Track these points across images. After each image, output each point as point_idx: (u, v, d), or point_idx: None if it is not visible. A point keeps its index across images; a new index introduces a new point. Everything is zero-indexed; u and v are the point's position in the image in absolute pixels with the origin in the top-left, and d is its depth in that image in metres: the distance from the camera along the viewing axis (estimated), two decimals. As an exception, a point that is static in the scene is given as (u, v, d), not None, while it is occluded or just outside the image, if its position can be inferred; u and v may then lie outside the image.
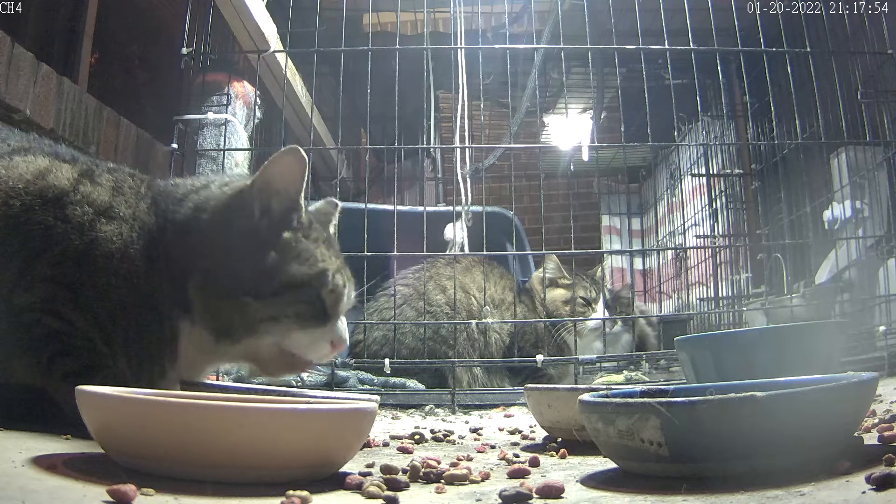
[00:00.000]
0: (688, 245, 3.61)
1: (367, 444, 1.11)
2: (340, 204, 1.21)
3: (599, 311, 2.43)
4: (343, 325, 1.02)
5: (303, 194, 1.00)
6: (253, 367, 1.05)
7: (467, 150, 2.64)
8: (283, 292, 0.96)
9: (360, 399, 0.98)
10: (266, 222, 0.98)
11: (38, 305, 0.94)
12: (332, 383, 1.88)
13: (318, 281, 0.99)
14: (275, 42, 2.41)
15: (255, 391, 1.00)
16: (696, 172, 3.66)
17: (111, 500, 0.59)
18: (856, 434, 0.86)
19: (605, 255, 4.36)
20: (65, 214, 0.97)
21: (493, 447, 1.14)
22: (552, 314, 2.37)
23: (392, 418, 1.63)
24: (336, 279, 1.00)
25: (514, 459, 0.96)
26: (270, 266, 0.97)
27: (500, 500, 0.67)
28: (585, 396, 0.85)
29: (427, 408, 1.81)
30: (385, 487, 0.71)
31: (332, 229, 1.15)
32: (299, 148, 0.97)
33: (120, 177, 1.07)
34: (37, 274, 0.94)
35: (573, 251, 2.42)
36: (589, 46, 2.35)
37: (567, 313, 2.39)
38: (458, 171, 2.56)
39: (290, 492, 0.63)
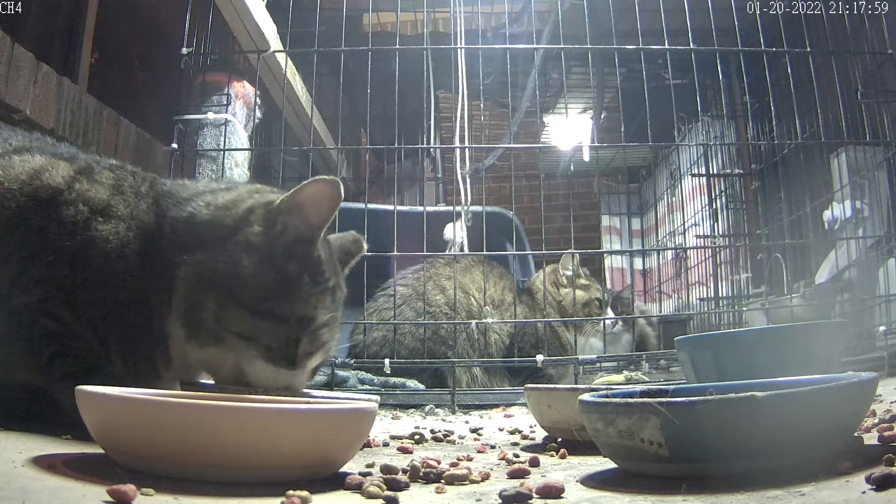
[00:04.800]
0: (688, 245, 3.61)
1: (367, 444, 1.11)
2: (365, 245, 1.15)
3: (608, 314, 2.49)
4: (303, 380, 0.98)
5: (325, 229, 0.96)
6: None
7: (467, 150, 2.64)
8: (265, 317, 0.92)
9: (360, 399, 0.98)
10: (283, 241, 0.95)
11: (34, 306, 0.94)
12: (332, 383, 1.88)
13: (302, 326, 0.94)
14: (275, 42, 2.41)
15: (256, 391, 0.99)
16: (696, 172, 3.66)
17: (111, 500, 0.59)
18: (856, 434, 0.86)
19: (605, 254, 4.37)
20: (58, 215, 0.96)
21: (493, 447, 1.14)
22: (571, 316, 2.38)
23: (392, 418, 1.63)
24: (320, 334, 0.96)
25: (514, 459, 0.96)
26: (267, 287, 0.93)
27: (500, 500, 0.67)
28: (585, 396, 0.85)
29: (427, 408, 1.81)
30: (385, 487, 0.71)
31: (346, 271, 1.11)
32: (339, 182, 0.92)
33: (121, 175, 1.05)
34: (32, 275, 0.94)
35: (573, 251, 2.42)
36: (589, 46, 2.35)
37: (585, 315, 2.42)
38: (458, 171, 2.56)
39: (290, 492, 0.63)
